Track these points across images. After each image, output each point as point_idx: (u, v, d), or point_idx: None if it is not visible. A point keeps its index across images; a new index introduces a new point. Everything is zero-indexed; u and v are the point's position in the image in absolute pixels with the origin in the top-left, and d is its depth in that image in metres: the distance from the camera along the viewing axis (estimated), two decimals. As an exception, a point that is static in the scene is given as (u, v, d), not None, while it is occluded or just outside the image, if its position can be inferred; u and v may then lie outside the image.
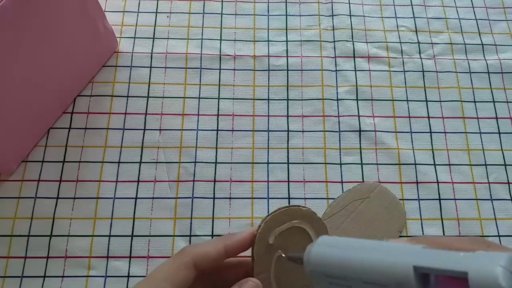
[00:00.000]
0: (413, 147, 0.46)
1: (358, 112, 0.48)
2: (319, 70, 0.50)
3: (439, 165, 0.46)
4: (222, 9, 0.53)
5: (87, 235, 0.42)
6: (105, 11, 0.48)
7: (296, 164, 0.45)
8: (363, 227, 0.41)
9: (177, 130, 0.46)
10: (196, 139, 0.46)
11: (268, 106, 0.48)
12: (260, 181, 0.44)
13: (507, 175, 0.45)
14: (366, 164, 0.45)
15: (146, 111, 0.47)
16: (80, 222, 0.42)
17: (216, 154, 0.45)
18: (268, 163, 0.45)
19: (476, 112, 0.48)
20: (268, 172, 0.45)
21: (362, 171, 0.45)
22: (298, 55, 0.51)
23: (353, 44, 0.51)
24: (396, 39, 0.52)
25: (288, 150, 0.46)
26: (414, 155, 0.46)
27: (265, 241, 0.30)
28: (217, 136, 0.46)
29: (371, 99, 0.49)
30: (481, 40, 0.52)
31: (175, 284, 0.26)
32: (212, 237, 0.42)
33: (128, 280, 0.40)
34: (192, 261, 0.27)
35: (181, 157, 0.45)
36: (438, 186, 0.45)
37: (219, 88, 0.49)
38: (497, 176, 0.45)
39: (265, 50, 0.51)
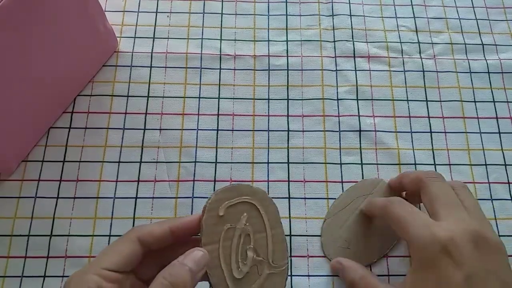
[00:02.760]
0: (413, 147, 0.46)
1: (358, 112, 0.48)
2: (319, 70, 0.50)
3: (439, 165, 0.46)
4: (222, 9, 0.53)
5: (87, 235, 0.42)
6: (105, 11, 0.48)
7: (296, 164, 0.45)
8: (366, 223, 0.41)
9: (177, 130, 0.46)
10: (196, 139, 0.46)
11: (268, 106, 0.48)
12: (260, 181, 0.44)
13: (507, 175, 0.45)
14: (366, 164, 0.45)
15: (146, 110, 0.47)
16: (80, 222, 0.42)
17: (216, 154, 0.45)
18: (268, 163, 0.45)
19: (476, 112, 0.48)
20: (268, 172, 0.45)
21: (362, 171, 0.45)
22: (298, 55, 0.51)
23: (353, 44, 0.51)
24: (396, 39, 0.52)
25: (288, 150, 0.46)
26: (414, 155, 0.46)
27: (214, 212, 0.31)
28: (217, 136, 0.46)
29: (371, 99, 0.49)
30: (481, 40, 0.52)
31: (120, 256, 0.27)
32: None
33: (128, 280, 0.40)
34: (137, 237, 0.28)
35: (181, 157, 0.45)
36: (438, 186, 0.45)
37: (219, 87, 0.49)
38: (497, 176, 0.45)
39: (265, 50, 0.51)
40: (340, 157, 0.46)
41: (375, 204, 0.37)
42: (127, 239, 0.29)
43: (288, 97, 0.48)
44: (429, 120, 0.48)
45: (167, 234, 0.30)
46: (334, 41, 0.52)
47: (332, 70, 0.50)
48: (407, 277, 0.31)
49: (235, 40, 0.51)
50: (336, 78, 0.50)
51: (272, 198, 0.43)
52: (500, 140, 0.47)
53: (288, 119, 0.47)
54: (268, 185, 0.44)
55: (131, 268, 0.28)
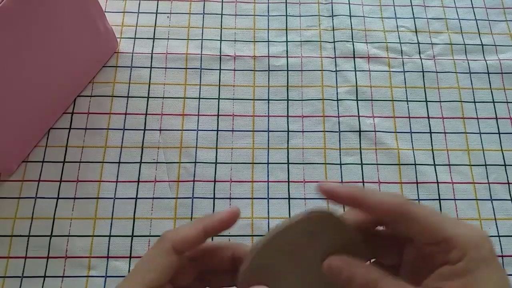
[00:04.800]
0: (413, 147, 0.46)
1: (358, 113, 0.48)
2: (319, 70, 0.50)
3: (439, 165, 0.46)
4: (222, 9, 0.53)
5: (87, 235, 0.42)
6: (105, 12, 0.48)
7: (296, 164, 0.45)
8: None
9: (177, 130, 0.46)
10: (196, 139, 0.46)
11: (268, 106, 0.48)
12: (260, 181, 0.44)
13: (507, 175, 0.46)
14: (366, 164, 0.45)
15: (146, 111, 0.47)
16: (80, 222, 0.42)
17: (216, 154, 0.45)
18: (268, 163, 0.45)
19: (476, 112, 0.49)
20: (268, 172, 0.45)
21: (362, 171, 0.45)
22: (298, 56, 0.51)
23: (353, 44, 0.51)
24: (396, 40, 0.52)
25: (288, 150, 0.46)
26: (414, 155, 0.46)
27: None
28: (217, 136, 0.46)
29: (371, 100, 0.49)
30: (481, 41, 0.52)
31: (159, 271, 0.26)
32: (211, 238, 0.42)
33: (128, 280, 0.40)
34: (172, 246, 0.27)
35: (181, 157, 0.45)
36: (438, 186, 0.45)
37: (219, 88, 0.49)
38: (497, 176, 0.45)
39: (265, 51, 0.51)
40: (340, 157, 0.46)
41: (383, 202, 0.29)
42: (163, 251, 0.27)
43: (288, 97, 0.48)
44: (428, 120, 0.48)
45: (201, 236, 0.28)
46: (334, 42, 0.52)
47: (332, 71, 0.50)
48: (458, 281, 0.26)
49: (235, 40, 0.51)
50: (336, 79, 0.50)
51: (272, 198, 0.44)
52: (500, 141, 0.47)
53: (288, 119, 0.47)
54: (268, 186, 0.44)
55: (169, 279, 0.28)
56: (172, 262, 0.27)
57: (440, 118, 0.48)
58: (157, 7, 0.53)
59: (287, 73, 0.50)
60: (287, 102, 0.48)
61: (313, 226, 0.27)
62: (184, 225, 0.29)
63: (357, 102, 0.48)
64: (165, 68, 0.49)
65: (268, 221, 0.43)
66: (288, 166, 0.45)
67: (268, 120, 0.47)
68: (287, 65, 0.50)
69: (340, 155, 0.46)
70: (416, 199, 0.44)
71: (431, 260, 0.27)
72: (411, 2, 0.54)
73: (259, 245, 0.26)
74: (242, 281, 0.27)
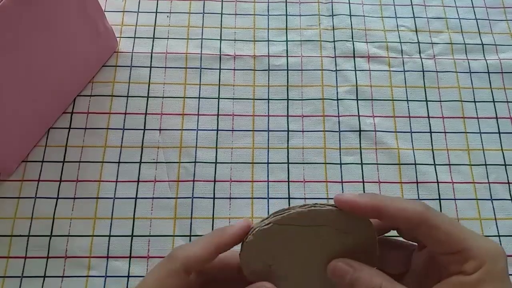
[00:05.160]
0: (413, 147, 0.46)
1: (358, 112, 0.48)
2: (319, 70, 0.50)
3: (439, 165, 0.46)
4: (222, 9, 0.53)
5: (87, 235, 0.42)
6: (105, 11, 0.48)
7: (296, 164, 0.45)
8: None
9: (177, 130, 0.46)
10: (196, 139, 0.46)
11: (268, 106, 0.48)
12: (260, 181, 0.44)
13: (507, 175, 0.45)
14: (366, 164, 0.45)
15: (146, 111, 0.47)
16: (80, 222, 0.42)
17: (216, 154, 0.45)
18: (268, 163, 0.45)
19: (476, 112, 0.48)
20: (268, 172, 0.45)
21: (362, 171, 0.45)
22: (298, 55, 0.51)
23: (353, 44, 0.51)
24: (396, 39, 0.52)
25: (288, 150, 0.46)
26: (414, 155, 0.46)
27: None
28: (217, 136, 0.46)
29: (371, 99, 0.49)
30: (481, 40, 0.52)
31: None
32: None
33: (128, 280, 0.40)
34: (183, 267, 0.26)
35: (181, 157, 0.45)
36: (438, 186, 0.45)
37: (219, 88, 0.49)
38: (497, 176, 0.45)
39: (265, 50, 0.51)
40: (340, 157, 0.46)
41: (404, 210, 0.27)
42: (174, 272, 0.26)
43: (288, 97, 0.48)
44: (429, 120, 0.48)
45: (213, 255, 0.27)
46: (334, 41, 0.51)
47: (332, 70, 0.50)
48: None
49: (235, 40, 0.51)
50: (336, 78, 0.50)
51: (272, 198, 0.44)
52: (500, 140, 0.47)
53: (288, 119, 0.47)
54: (268, 186, 0.44)
55: None
56: (183, 284, 0.26)
57: (440, 117, 0.48)
58: (157, 7, 0.53)
59: (287, 73, 0.50)
60: (287, 102, 0.48)
61: (326, 220, 0.26)
62: (194, 243, 0.28)
63: (357, 102, 0.48)
64: (165, 67, 0.49)
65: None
66: (288, 166, 0.45)
67: (268, 119, 0.47)
68: (287, 65, 0.50)
69: (340, 154, 0.46)
70: (416, 199, 0.44)
71: (442, 269, 0.27)
72: (411, 2, 0.54)
73: (268, 221, 0.26)
74: (244, 254, 0.27)
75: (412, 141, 0.47)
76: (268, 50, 0.51)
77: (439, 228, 0.27)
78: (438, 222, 0.27)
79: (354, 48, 0.51)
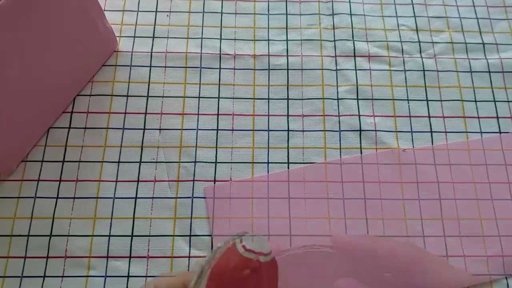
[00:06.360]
0: (413, 147, 0.46)
1: (359, 112, 0.48)
2: (320, 69, 0.50)
3: (439, 165, 0.46)
4: (222, 8, 0.53)
5: (87, 235, 0.42)
6: (104, 10, 0.48)
7: (296, 164, 0.45)
8: None
9: (177, 129, 0.46)
10: (196, 138, 0.46)
11: (268, 105, 0.48)
12: (260, 181, 0.44)
13: (507, 175, 0.45)
14: (367, 164, 0.45)
15: (146, 110, 0.47)
16: (80, 222, 0.42)
17: (216, 154, 0.45)
18: (268, 162, 0.45)
19: (477, 111, 0.48)
20: (268, 172, 0.45)
21: (362, 171, 0.45)
22: (298, 54, 0.51)
23: (354, 43, 0.51)
24: (396, 38, 0.52)
25: (288, 150, 0.46)
26: (414, 155, 0.46)
27: None
28: (217, 135, 0.46)
29: (372, 99, 0.48)
30: (482, 39, 0.52)
31: None
32: (210, 237, 0.42)
33: (128, 280, 0.40)
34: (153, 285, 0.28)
35: (181, 156, 0.45)
36: (438, 186, 0.44)
37: (219, 87, 0.49)
38: (497, 176, 0.45)
39: (265, 49, 0.51)
40: (340, 157, 0.46)
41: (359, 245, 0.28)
42: None
43: (288, 96, 0.48)
44: (429, 119, 0.48)
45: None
46: (334, 41, 0.51)
47: (332, 70, 0.50)
48: None
49: (235, 39, 0.51)
50: (336, 78, 0.49)
51: (272, 198, 0.44)
52: (501, 140, 0.47)
53: (288, 118, 0.47)
54: (268, 186, 0.44)
55: None
56: None
57: (441, 117, 0.48)
58: (157, 6, 0.53)
59: (287, 72, 0.50)
60: (287, 101, 0.48)
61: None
62: (171, 278, 0.30)
63: (358, 101, 0.48)
64: (165, 67, 0.49)
65: (268, 221, 0.42)
66: (288, 165, 0.45)
67: (268, 119, 0.47)
68: (287, 64, 0.50)
69: (340, 154, 0.46)
70: (417, 199, 0.44)
71: None
72: (412, 1, 0.54)
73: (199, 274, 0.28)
74: None
75: (412, 140, 0.47)
76: (268, 49, 0.51)
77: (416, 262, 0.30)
78: (413, 256, 0.30)
79: (354, 48, 0.51)
